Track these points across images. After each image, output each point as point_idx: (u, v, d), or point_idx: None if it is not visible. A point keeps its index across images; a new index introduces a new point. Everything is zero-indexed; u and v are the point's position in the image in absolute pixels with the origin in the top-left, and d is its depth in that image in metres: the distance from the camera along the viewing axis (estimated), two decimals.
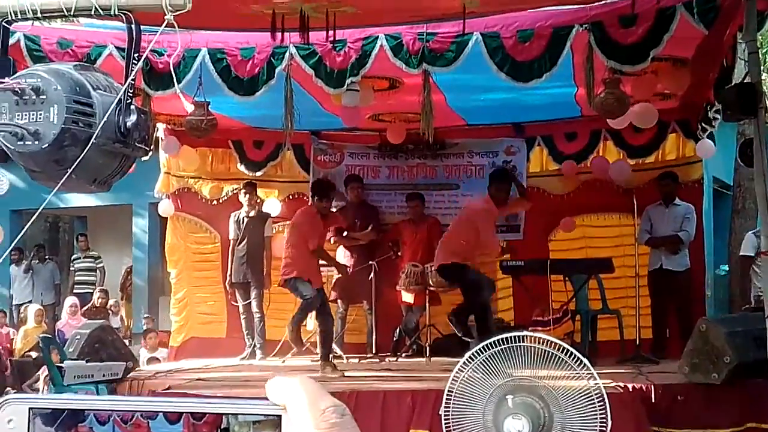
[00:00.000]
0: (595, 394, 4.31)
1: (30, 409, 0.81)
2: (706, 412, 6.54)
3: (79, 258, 14.97)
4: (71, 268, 15.10)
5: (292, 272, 8.61)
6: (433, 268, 9.03)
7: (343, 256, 9.96)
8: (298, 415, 0.78)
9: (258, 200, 10.20)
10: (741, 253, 9.27)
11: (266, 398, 0.80)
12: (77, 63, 2.82)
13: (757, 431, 6.11)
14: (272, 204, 10.53)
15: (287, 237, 9.08)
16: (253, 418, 0.80)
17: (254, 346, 9.79)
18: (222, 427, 0.81)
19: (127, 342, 10.31)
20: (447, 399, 4.40)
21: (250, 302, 9.84)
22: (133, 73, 2.73)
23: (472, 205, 8.74)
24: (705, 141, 9.48)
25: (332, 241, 9.84)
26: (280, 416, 0.80)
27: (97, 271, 14.72)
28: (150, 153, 7.64)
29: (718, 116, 8.86)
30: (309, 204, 9.38)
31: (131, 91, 2.84)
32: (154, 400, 0.83)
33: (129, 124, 2.80)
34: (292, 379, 0.80)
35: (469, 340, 8.26)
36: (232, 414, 0.81)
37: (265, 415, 0.80)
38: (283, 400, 0.79)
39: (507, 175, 8.66)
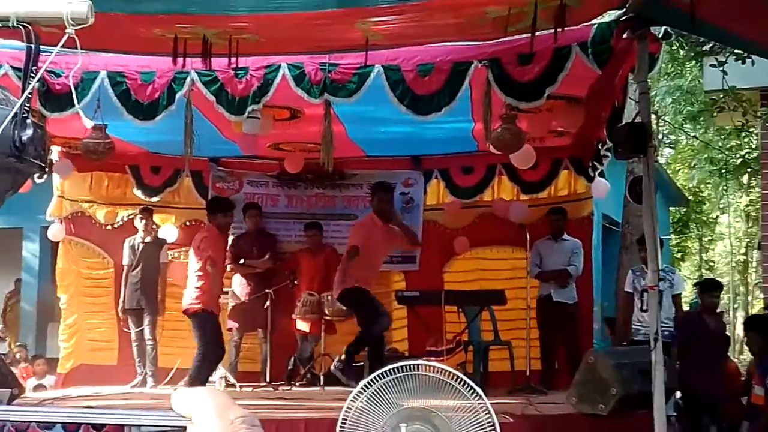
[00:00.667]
0: (488, 424, 4.37)
1: None
2: None
3: None
4: None
5: (200, 304, 8.63)
6: (329, 297, 9.05)
7: (239, 284, 9.89)
8: (205, 425, 0.76)
9: (154, 226, 10.07)
10: (625, 289, 9.56)
11: (170, 409, 0.79)
12: None
13: None
14: (169, 230, 10.40)
15: (192, 262, 8.99)
16: (156, 429, 0.79)
17: (146, 373, 9.61)
18: None
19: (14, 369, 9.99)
20: (341, 428, 4.40)
21: (142, 329, 9.67)
22: (31, 85, 2.68)
23: (357, 223, 8.82)
24: (599, 180, 9.75)
25: (228, 269, 9.77)
26: (185, 427, 0.79)
27: None
28: (45, 171, 7.50)
29: (609, 154, 9.14)
30: (207, 225, 9.34)
31: (28, 104, 2.78)
32: (51, 410, 0.80)
33: (24, 138, 2.74)
34: (199, 390, 0.79)
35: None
36: (135, 425, 0.79)
37: (169, 426, 0.79)
38: (190, 410, 0.78)
39: (387, 187, 8.64)
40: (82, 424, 0.81)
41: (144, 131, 8.27)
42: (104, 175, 10.61)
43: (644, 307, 9.03)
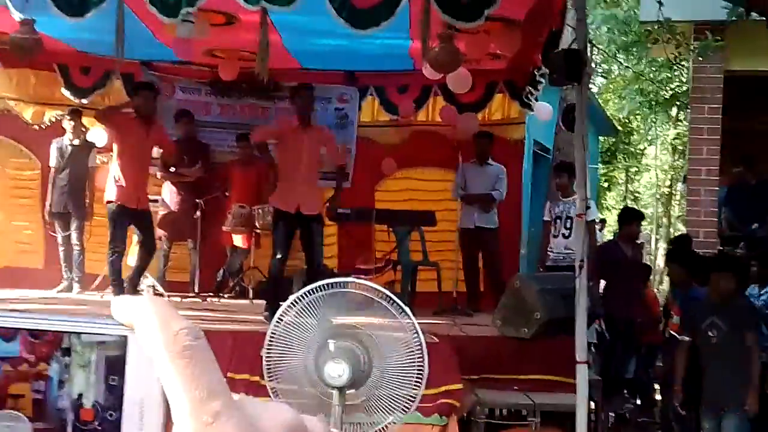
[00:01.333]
0: (414, 343, 4.40)
1: None
2: (514, 365, 6.82)
3: None
4: None
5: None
6: (260, 211, 8.97)
7: (169, 192, 9.76)
8: (146, 336, 0.73)
9: (83, 129, 9.81)
10: (544, 218, 9.61)
11: (110, 317, 0.76)
12: None
13: (562, 384, 6.42)
14: (98, 134, 10.10)
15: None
16: (97, 338, 0.76)
17: (72, 279, 9.50)
18: (63, 346, 0.76)
19: None
20: (269, 342, 4.39)
21: (69, 234, 9.52)
22: None
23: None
24: (542, 104, 9.79)
25: (158, 176, 9.62)
26: (126, 337, 0.76)
27: None
28: None
29: (543, 80, 9.16)
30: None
31: None
32: None
33: None
34: (141, 298, 0.76)
35: None
36: (75, 333, 0.76)
37: (110, 335, 0.76)
38: (130, 319, 0.75)
39: (307, 86, 8.41)
40: (19, 329, 0.77)
41: (74, 28, 7.99)
42: (31, 73, 10.30)
43: (555, 233, 9.15)
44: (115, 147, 8.47)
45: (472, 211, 9.31)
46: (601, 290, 9.26)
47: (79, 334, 0.76)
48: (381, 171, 10.51)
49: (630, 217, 9.47)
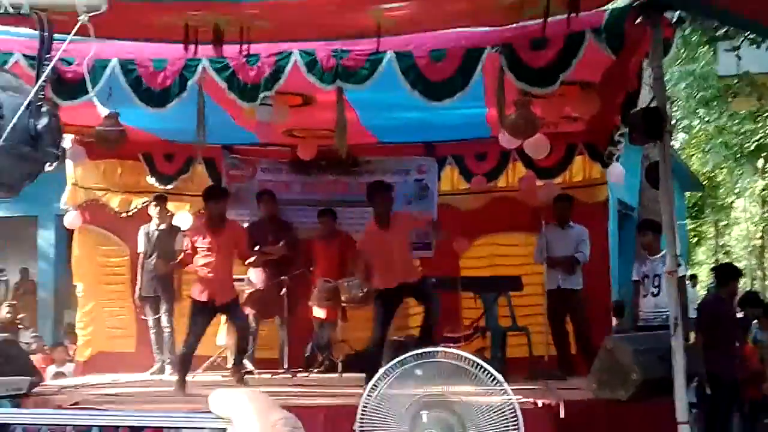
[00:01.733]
0: (508, 410, 4.34)
1: None
2: (613, 428, 6.64)
3: None
4: None
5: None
6: (345, 284, 8.99)
7: (254, 271, 9.85)
8: (245, 427, 0.73)
9: (168, 213, 10.06)
10: (633, 278, 9.37)
11: (208, 411, 0.76)
12: None
13: None
14: (183, 218, 10.35)
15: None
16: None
17: (163, 361, 9.64)
18: None
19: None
20: (362, 414, 4.37)
21: (159, 317, 9.69)
22: (45, 73, 2.65)
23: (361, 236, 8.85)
24: (615, 165, 9.67)
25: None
26: (224, 429, 0.75)
27: (1, 284, 14.20)
28: (59, 159, 7.40)
29: (623, 140, 9.07)
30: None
31: (42, 92, 2.75)
32: (86, 414, 0.76)
33: (40, 127, 2.71)
34: (239, 391, 0.76)
35: None
36: (174, 427, 0.76)
37: (209, 428, 0.76)
38: (229, 412, 0.75)
39: (386, 187, 8.55)
40: (120, 427, 0.77)
41: (156, 118, 8.23)
42: (117, 163, 10.60)
43: (644, 293, 8.95)
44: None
45: (556, 274, 9.19)
46: None
47: (178, 428, 0.76)
48: (467, 236, 10.41)
49: (731, 274, 9.23)
